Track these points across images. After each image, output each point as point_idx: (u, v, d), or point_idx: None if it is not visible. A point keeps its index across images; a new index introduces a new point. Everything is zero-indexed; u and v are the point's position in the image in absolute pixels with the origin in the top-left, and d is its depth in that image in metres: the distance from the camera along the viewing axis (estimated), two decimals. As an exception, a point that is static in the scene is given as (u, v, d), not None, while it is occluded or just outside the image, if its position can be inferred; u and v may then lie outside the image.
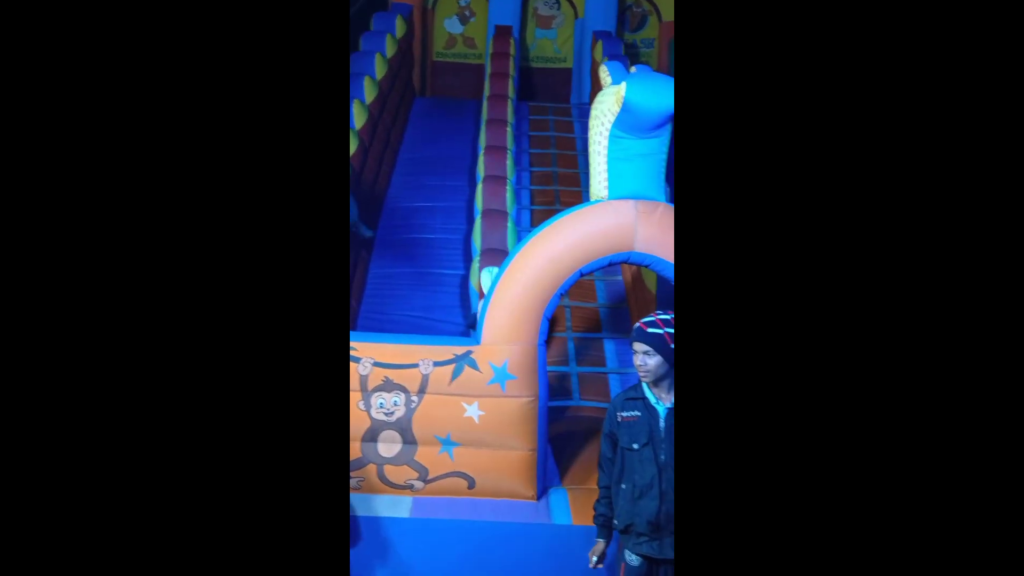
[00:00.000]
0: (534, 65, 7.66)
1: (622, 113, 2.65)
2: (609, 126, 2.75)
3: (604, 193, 2.84)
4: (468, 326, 4.39)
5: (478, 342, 2.82)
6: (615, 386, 4.57)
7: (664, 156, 2.78)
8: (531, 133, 6.74)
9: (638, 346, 2.22)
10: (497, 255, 4.36)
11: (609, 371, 4.61)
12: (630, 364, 4.65)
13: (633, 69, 2.81)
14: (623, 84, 2.62)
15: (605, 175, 2.82)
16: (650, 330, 2.23)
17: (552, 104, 7.31)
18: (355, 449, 2.74)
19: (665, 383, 2.24)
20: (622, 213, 2.78)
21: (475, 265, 4.36)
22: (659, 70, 7.59)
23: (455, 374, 2.77)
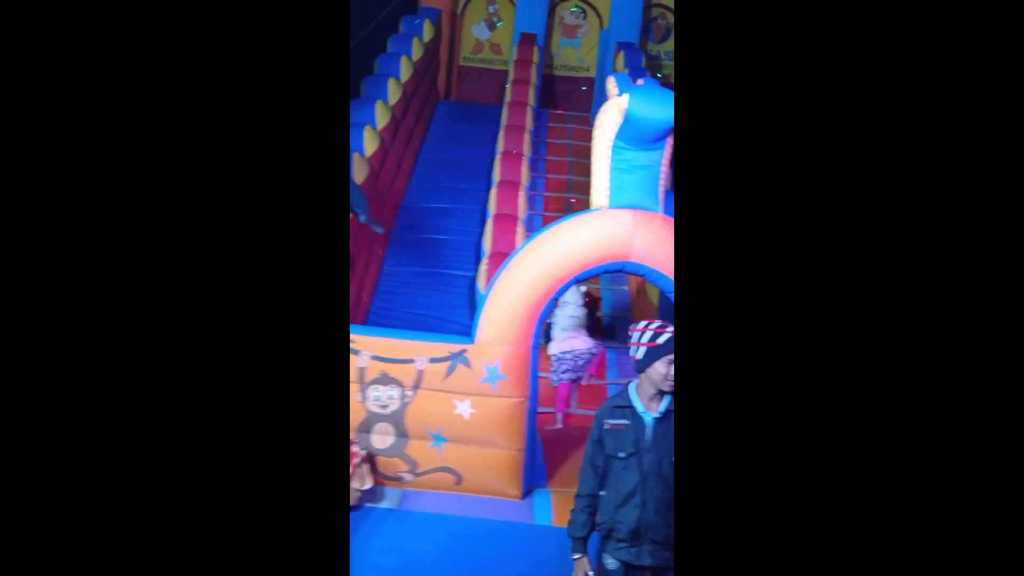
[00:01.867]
0: (557, 73, 7.74)
1: (624, 124, 2.71)
2: (612, 137, 2.81)
3: (604, 202, 2.89)
4: None
5: (472, 341, 2.89)
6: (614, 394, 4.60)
7: (660, 168, 2.82)
8: (549, 140, 6.82)
9: (671, 356, 2.19)
10: (504, 259, 4.43)
11: (610, 382, 4.64)
12: (629, 375, 4.70)
13: (640, 82, 2.86)
14: (625, 96, 2.68)
15: (606, 184, 2.87)
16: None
17: (572, 112, 7.39)
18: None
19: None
20: (619, 222, 2.83)
21: (482, 268, 4.43)
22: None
23: (449, 371, 2.84)
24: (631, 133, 2.72)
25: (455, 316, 4.97)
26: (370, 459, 2.80)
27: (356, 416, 2.85)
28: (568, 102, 7.58)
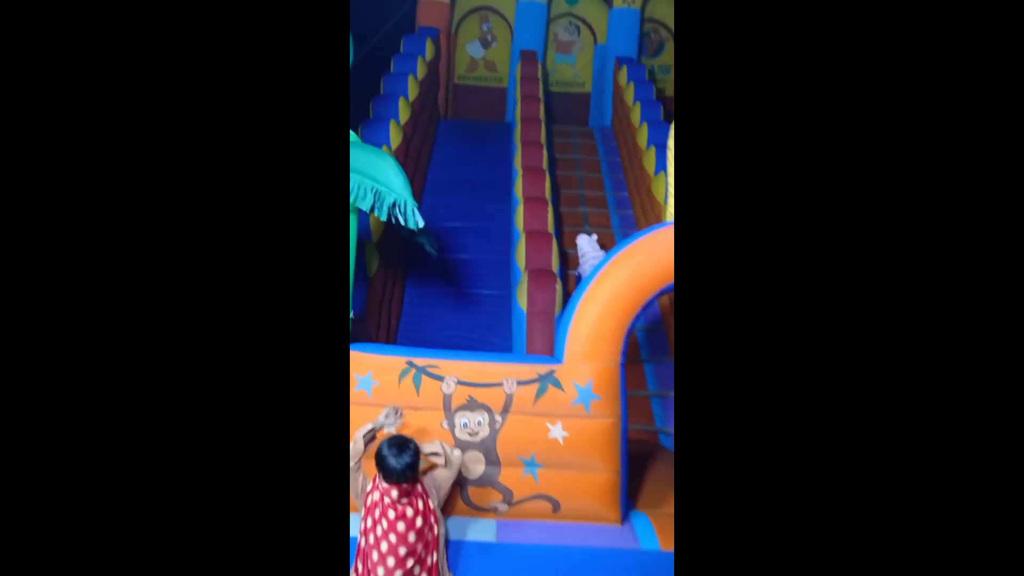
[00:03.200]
0: (554, 90, 7.76)
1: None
2: (694, 147, 2.77)
3: (685, 214, 2.85)
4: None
5: (560, 361, 2.79)
6: (657, 409, 4.56)
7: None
8: (557, 156, 6.80)
9: None
10: (544, 275, 4.35)
11: (651, 394, 4.60)
12: (670, 387, 4.66)
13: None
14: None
15: (687, 196, 2.83)
16: None
17: (575, 127, 7.41)
18: (439, 470, 2.67)
19: None
20: (705, 234, 2.79)
21: (523, 285, 4.34)
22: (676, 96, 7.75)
23: (539, 394, 2.73)
24: (718, 143, 2.69)
25: (488, 336, 4.85)
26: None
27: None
28: (566, 117, 7.60)
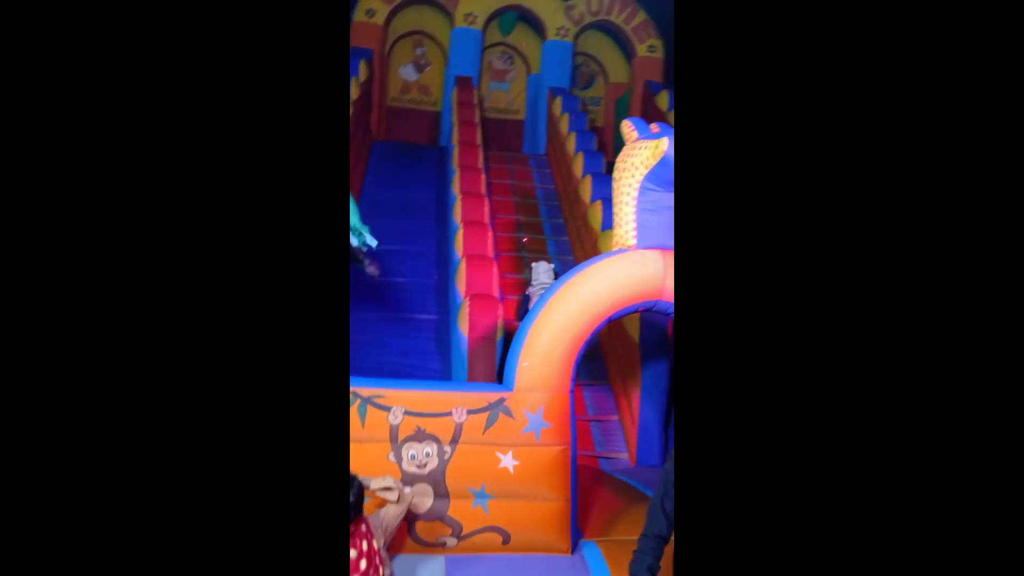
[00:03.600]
0: (488, 116, 7.83)
1: (658, 167, 2.76)
2: (641, 178, 2.85)
3: (632, 242, 2.91)
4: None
5: (510, 389, 2.75)
6: (596, 434, 4.59)
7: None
8: (493, 181, 6.83)
9: None
10: (486, 300, 4.32)
11: (590, 418, 4.63)
12: (608, 411, 4.72)
13: (655, 127, 2.94)
14: (664, 139, 2.73)
15: (634, 225, 2.90)
16: None
17: (508, 153, 7.48)
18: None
19: None
20: (651, 262, 2.85)
21: (463, 309, 4.28)
22: (605, 127, 8.00)
23: (489, 422, 2.67)
24: (664, 175, 2.77)
25: (425, 362, 4.74)
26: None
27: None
28: (500, 143, 7.67)
